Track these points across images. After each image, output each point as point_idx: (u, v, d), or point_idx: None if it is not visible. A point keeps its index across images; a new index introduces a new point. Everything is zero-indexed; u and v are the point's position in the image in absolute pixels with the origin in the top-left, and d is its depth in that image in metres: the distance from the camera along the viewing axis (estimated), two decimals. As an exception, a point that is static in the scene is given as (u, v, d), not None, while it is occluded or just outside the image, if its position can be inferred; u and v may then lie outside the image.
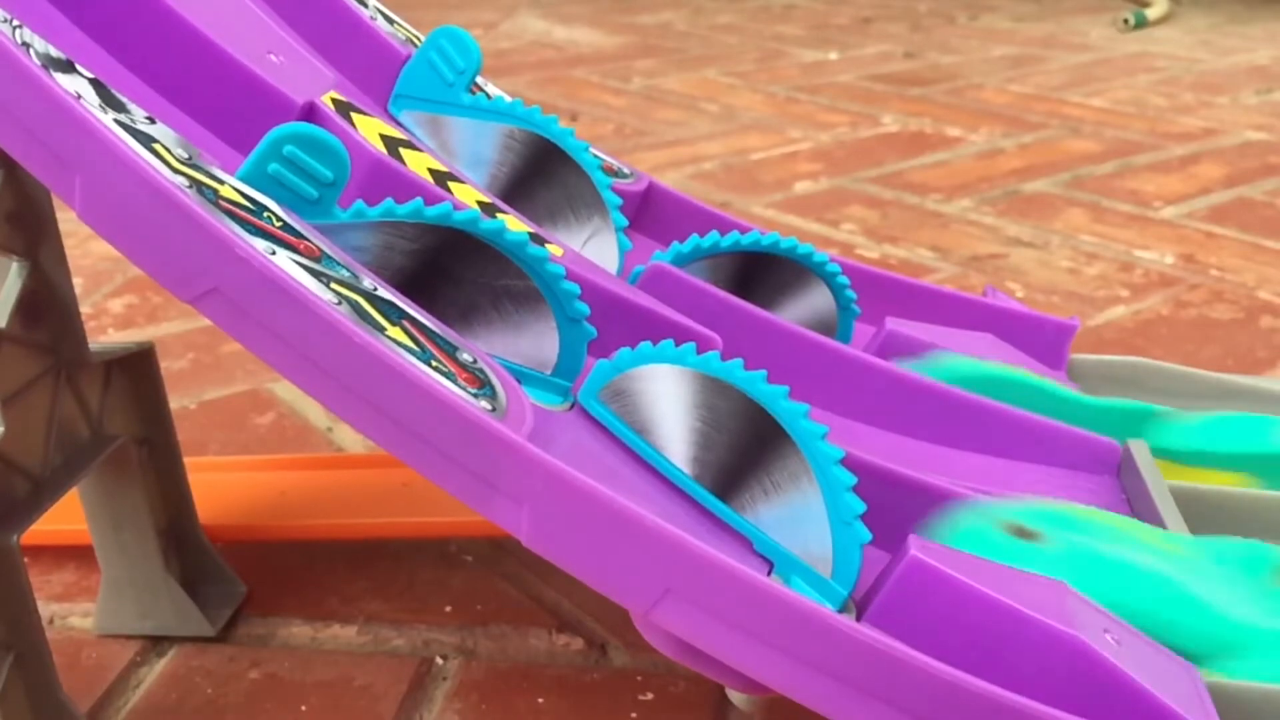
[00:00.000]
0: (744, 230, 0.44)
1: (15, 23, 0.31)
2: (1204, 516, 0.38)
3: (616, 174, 0.47)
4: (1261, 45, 1.55)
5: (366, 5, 0.45)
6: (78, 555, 0.49)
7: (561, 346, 0.34)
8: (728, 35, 1.60)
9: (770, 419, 0.31)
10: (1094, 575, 0.33)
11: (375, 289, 0.30)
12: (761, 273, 0.43)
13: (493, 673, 0.43)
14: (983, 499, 0.36)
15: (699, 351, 0.32)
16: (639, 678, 0.43)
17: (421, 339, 0.30)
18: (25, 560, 0.35)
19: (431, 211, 0.32)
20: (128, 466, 0.42)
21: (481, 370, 0.30)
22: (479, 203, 0.40)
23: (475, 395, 0.29)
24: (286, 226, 0.30)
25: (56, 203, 0.34)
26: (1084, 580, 0.33)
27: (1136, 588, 0.33)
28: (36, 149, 0.29)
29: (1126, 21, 1.64)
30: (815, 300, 0.44)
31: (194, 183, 0.29)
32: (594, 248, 0.42)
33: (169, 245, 0.28)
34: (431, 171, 0.40)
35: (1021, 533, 0.34)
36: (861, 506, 0.30)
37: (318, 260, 0.30)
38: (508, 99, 0.44)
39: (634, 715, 0.41)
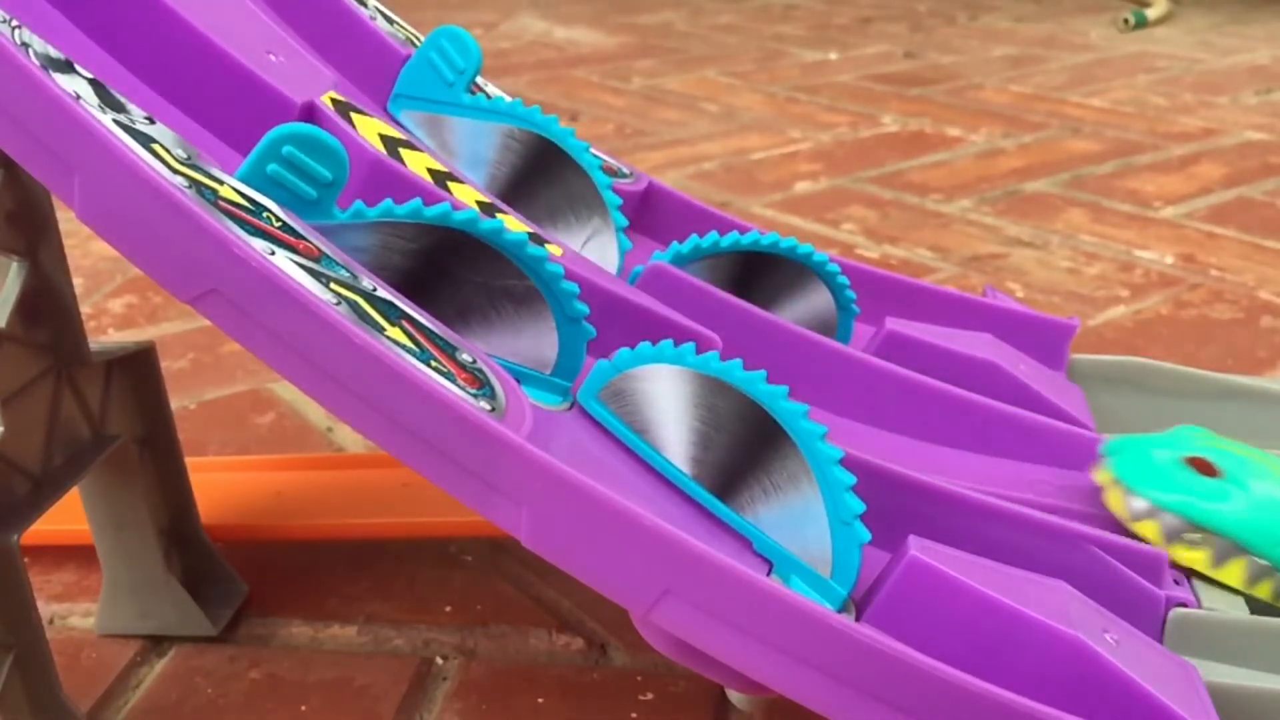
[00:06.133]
0: (744, 230, 0.44)
1: (14, 23, 0.31)
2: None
3: (616, 174, 0.47)
4: (1261, 45, 1.55)
5: (366, 5, 0.45)
6: (78, 555, 0.49)
7: (561, 346, 0.34)
8: (728, 35, 1.60)
9: (770, 419, 0.31)
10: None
11: (374, 289, 0.30)
12: (761, 273, 0.43)
13: (493, 673, 0.43)
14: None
15: (699, 351, 0.32)
16: (639, 678, 0.43)
17: (420, 339, 0.29)
18: (25, 560, 0.35)
19: (430, 211, 0.32)
20: (128, 466, 0.42)
21: (481, 370, 0.30)
22: (478, 203, 0.40)
23: (475, 395, 0.29)
24: (286, 227, 0.30)
25: (57, 202, 0.34)
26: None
27: None
28: (36, 149, 0.29)
29: (1126, 21, 1.64)
30: (815, 300, 0.44)
31: (193, 183, 0.29)
32: (594, 248, 0.42)
33: (168, 245, 0.28)
34: (431, 171, 0.40)
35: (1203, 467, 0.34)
36: (861, 506, 0.30)
37: (317, 260, 0.30)
38: (507, 99, 0.44)
39: (634, 715, 0.41)
